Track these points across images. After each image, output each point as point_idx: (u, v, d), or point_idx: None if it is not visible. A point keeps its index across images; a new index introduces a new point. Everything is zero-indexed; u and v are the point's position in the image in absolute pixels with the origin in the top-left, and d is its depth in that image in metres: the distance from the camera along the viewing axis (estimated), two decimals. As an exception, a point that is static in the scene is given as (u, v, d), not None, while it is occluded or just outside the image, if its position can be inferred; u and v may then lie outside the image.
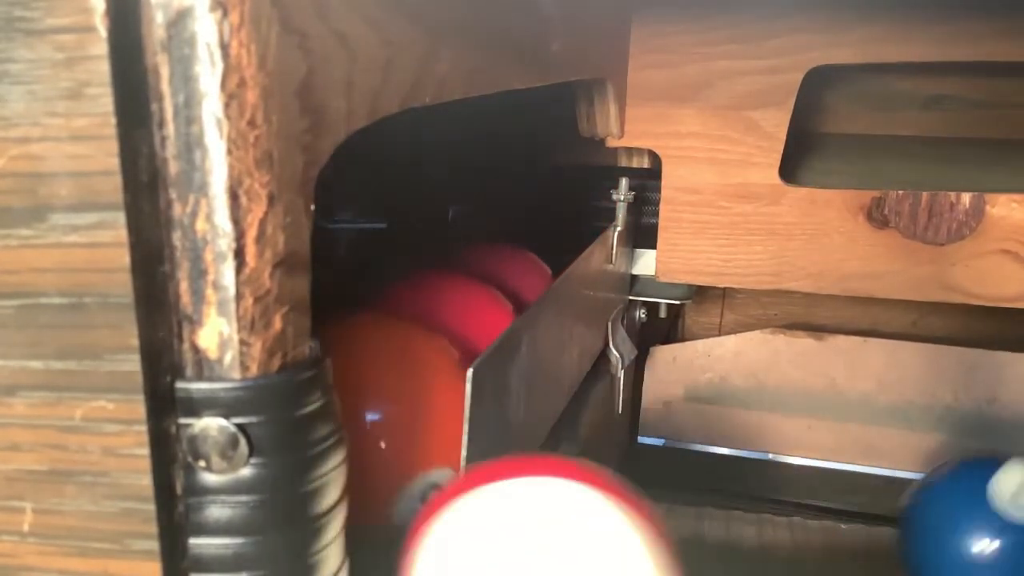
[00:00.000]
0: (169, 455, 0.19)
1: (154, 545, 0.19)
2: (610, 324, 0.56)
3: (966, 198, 0.53)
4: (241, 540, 0.19)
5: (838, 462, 0.71)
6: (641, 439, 0.74)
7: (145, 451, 0.19)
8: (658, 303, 0.64)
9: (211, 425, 0.19)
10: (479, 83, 0.32)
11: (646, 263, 0.62)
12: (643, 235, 0.62)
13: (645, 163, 0.63)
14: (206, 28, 0.17)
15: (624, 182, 0.56)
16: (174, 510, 0.19)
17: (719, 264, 0.60)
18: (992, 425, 0.68)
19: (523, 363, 0.36)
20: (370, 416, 0.31)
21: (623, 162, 0.63)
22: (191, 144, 0.18)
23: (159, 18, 0.17)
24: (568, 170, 0.64)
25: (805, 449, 0.71)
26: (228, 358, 0.19)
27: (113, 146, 0.17)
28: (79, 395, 0.19)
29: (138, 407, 0.19)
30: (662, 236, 0.60)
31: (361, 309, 0.37)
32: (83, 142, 0.17)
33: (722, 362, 0.72)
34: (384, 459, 0.30)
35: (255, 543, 0.19)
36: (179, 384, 0.19)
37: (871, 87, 0.74)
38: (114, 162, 0.17)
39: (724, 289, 0.78)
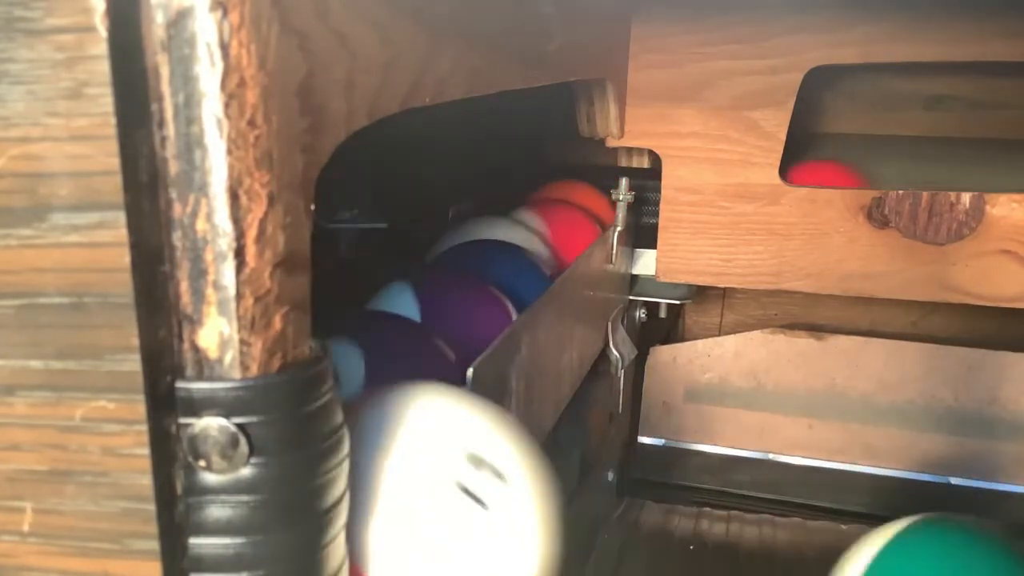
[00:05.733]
0: (169, 455, 0.19)
1: (154, 545, 0.19)
2: (610, 324, 0.56)
3: (966, 198, 0.53)
4: (241, 540, 0.19)
5: (838, 462, 0.71)
6: (641, 439, 0.74)
7: (145, 451, 0.19)
8: (658, 303, 0.64)
9: (211, 425, 0.19)
10: (479, 83, 0.32)
11: (646, 263, 0.62)
12: (643, 235, 0.62)
13: (645, 163, 0.63)
14: (206, 28, 0.17)
15: (624, 182, 0.56)
16: (174, 510, 0.19)
17: (719, 264, 0.60)
18: (992, 425, 0.68)
19: (523, 363, 0.36)
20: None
21: (623, 162, 0.63)
22: (191, 144, 0.18)
23: (159, 18, 0.17)
24: (568, 170, 0.65)
25: (805, 449, 0.71)
26: (228, 358, 0.19)
27: (113, 146, 0.17)
28: (79, 395, 0.19)
29: (138, 407, 0.19)
30: (662, 236, 0.60)
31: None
32: (83, 142, 0.17)
33: (722, 362, 0.72)
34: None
35: (255, 543, 0.19)
36: (179, 384, 0.19)
37: (871, 87, 0.74)
38: (114, 162, 0.17)
39: (724, 289, 0.78)
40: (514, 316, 0.40)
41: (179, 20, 0.17)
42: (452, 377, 0.33)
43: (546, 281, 0.46)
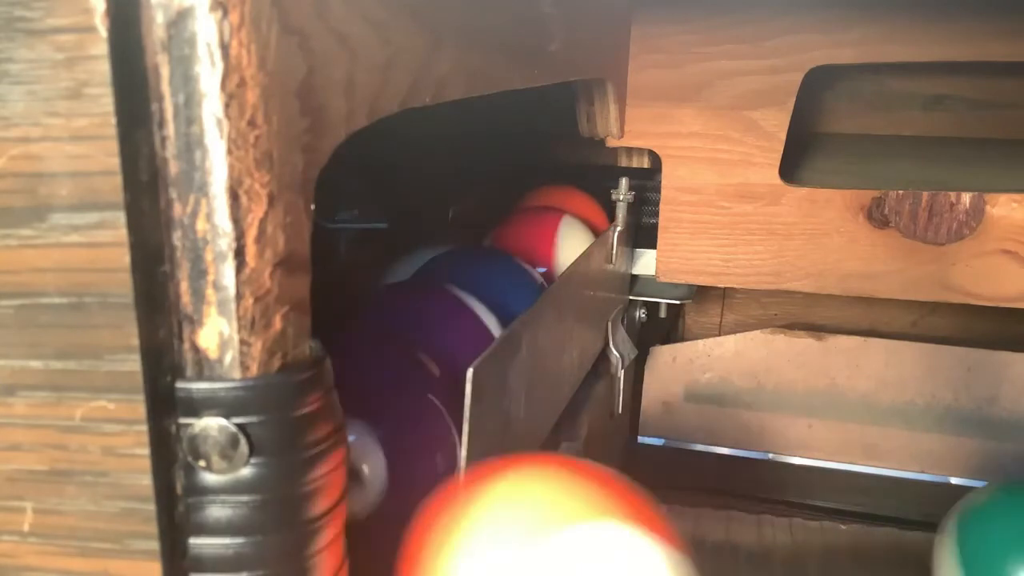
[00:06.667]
0: (169, 455, 0.19)
1: (154, 545, 0.19)
2: (610, 324, 0.56)
3: (966, 198, 0.53)
4: (241, 540, 0.19)
5: (838, 462, 0.71)
6: (641, 439, 0.74)
7: (145, 451, 0.19)
8: (658, 303, 0.64)
9: (211, 425, 0.19)
10: (479, 83, 0.32)
11: (646, 263, 0.62)
12: (643, 235, 0.62)
13: (645, 163, 0.63)
14: (206, 28, 0.17)
15: (624, 182, 0.56)
16: (174, 510, 0.19)
17: (719, 264, 0.60)
18: (992, 425, 0.68)
19: (523, 363, 0.36)
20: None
21: (623, 162, 0.63)
22: (191, 144, 0.18)
23: (159, 18, 0.17)
24: (568, 170, 0.65)
25: (805, 449, 0.71)
26: (228, 358, 0.19)
27: (113, 146, 0.17)
28: (79, 395, 0.19)
29: (138, 407, 0.19)
30: (662, 236, 0.60)
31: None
32: (83, 142, 0.17)
33: (722, 362, 0.72)
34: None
35: (255, 543, 0.19)
36: (179, 384, 0.19)
37: (871, 87, 0.74)
38: (114, 162, 0.17)
39: (724, 289, 0.78)
40: (483, 316, 0.40)
41: (179, 20, 0.17)
42: (441, 390, 0.33)
43: (531, 281, 0.46)
